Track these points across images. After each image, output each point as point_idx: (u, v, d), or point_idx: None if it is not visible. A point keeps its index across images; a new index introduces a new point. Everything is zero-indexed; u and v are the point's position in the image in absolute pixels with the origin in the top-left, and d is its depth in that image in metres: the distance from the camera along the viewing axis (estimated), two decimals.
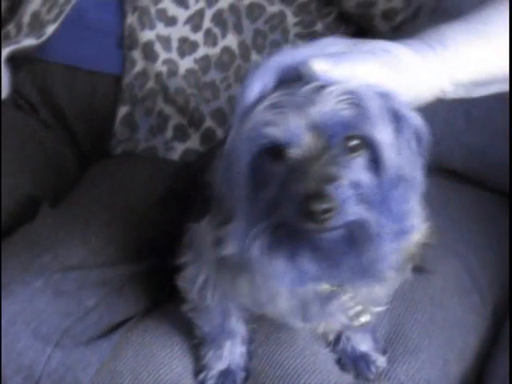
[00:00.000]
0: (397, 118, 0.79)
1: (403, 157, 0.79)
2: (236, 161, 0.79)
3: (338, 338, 1.08)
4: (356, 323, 0.94)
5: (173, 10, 1.32)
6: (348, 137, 0.76)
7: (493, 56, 0.91)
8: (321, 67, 0.78)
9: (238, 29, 1.35)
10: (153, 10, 1.31)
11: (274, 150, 0.77)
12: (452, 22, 0.93)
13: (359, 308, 0.92)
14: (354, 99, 0.76)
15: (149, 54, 1.30)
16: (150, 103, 1.31)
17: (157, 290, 1.15)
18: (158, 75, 1.30)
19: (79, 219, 1.15)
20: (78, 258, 1.08)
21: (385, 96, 0.79)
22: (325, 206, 0.72)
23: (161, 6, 1.32)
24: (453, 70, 0.88)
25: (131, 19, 1.31)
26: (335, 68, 0.78)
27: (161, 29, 1.31)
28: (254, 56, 1.35)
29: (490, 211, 1.39)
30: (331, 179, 0.73)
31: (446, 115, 1.41)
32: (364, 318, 0.94)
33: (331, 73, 0.77)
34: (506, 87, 0.95)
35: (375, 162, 0.77)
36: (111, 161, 1.33)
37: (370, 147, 0.77)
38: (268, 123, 0.76)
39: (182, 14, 1.32)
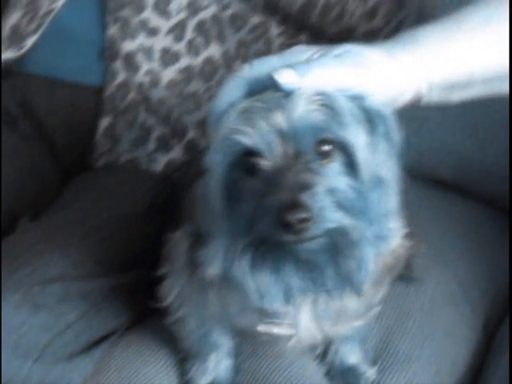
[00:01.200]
0: (369, 119, 0.77)
1: (379, 157, 0.76)
2: (211, 175, 0.77)
3: (326, 351, 1.06)
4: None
5: (154, 20, 1.31)
6: (321, 141, 0.74)
7: (468, 54, 0.89)
8: (287, 79, 0.76)
9: (221, 39, 1.33)
10: (134, 21, 1.30)
11: (248, 163, 0.75)
12: (428, 23, 0.91)
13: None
14: (325, 101, 0.74)
15: (130, 64, 1.28)
16: (132, 114, 1.29)
17: (140, 303, 1.12)
18: (140, 86, 1.28)
19: (59, 232, 1.13)
20: (58, 270, 1.05)
21: (356, 97, 0.77)
22: (301, 215, 0.70)
23: (142, 16, 1.30)
24: (428, 67, 0.86)
25: (112, 30, 1.29)
26: (302, 79, 0.76)
27: (142, 39, 1.30)
28: (238, 66, 1.34)
29: (481, 222, 1.37)
30: (305, 187, 0.71)
31: (435, 126, 1.40)
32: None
33: (298, 84, 0.75)
34: (485, 91, 0.94)
35: (351, 166, 0.75)
36: (93, 173, 1.31)
37: (344, 150, 0.75)
38: (237, 132, 0.73)
39: (163, 25, 1.31)
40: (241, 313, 0.88)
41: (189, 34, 1.32)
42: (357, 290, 0.78)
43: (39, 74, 1.35)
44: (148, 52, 1.29)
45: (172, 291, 0.93)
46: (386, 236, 0.78)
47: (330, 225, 0.72)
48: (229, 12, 1.34)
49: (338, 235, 0.73)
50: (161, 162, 1.30)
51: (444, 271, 1.22)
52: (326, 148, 0.74)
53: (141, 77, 1.29)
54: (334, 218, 0.72)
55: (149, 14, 1.31)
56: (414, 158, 1.37)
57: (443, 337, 1.11)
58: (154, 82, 1.29)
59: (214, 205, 0.77)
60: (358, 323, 0.95)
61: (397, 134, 0.78)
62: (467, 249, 1.29)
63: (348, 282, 0.76)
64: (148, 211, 1.13)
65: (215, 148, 0.76)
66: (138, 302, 1.12)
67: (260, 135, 0.73)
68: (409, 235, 0.92)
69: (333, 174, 0.74)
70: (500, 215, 1.38)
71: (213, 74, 1.32)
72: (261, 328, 0.89)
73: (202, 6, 1.32)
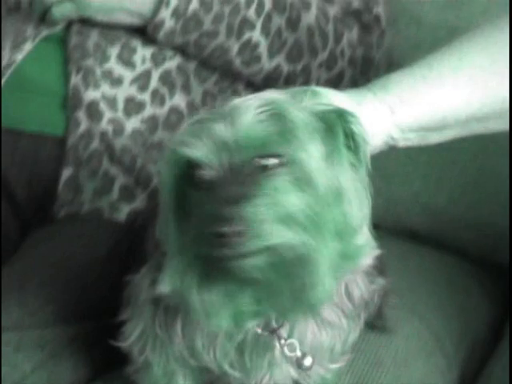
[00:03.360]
0: (328, 127, 0.74)
1: (339, 169, 0.74)
2: (162, 189, 0.76)
3: None
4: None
5: (119, 70, 1.29)
6: (267, 154, 0.71)
7: (438, 100, 0.90)
8: None
9: (187, 89, 1.32)
10: (98, 71, 1.28)
11: (194, 176, 0.73)
12: (399, 70, 0.92)
13: (299, 354, 0.83)
14: (275, 111, 0.71)
15: (93, 113, 1.26)
16: (95, 164, 1.26)
17: (101, 355, 1.07)
18: (103, 134, 1.26)
19: (16, 280, 1.09)
20: (14, 318, 1.01)
21: (315, 105, 0.75)
22: (234, 228, 0.67)
23: (106, 66, 1.28)
24: (397, 113, 0.87)
25: (75, 80, 1.27)
26: None
27: (106, 89, 1.27)
28: None
29: (453, 274, 1.36)
30: (244, 200, 0.68)
31: (405, 177, 1.39)
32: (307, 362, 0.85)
33: None
34: (463, 132, 0.94)
35: (301, 179, 0.72)
36: (54, 224, 1.27)
37: (292, 163, 0.72)
38: (182, 143, 0.72)
39: (128, 75, 1.29)
40: (208, 349, 0.84)
41: (153, 83, 1.30)
42: (310, 311, 0.75)
43: (1, 126, 1.31)
44: (111, 101, 1.27)
45: (135, 331, 0.88)
46: (354, 254, 0.75)
47: (272, 240, 0.69)
48: (194, 63, 1.33)
49: (285, 252, 0.70)
50: (124, 212, 1.27)
51: (416, 323, 1.18)
52: (272, 161, 0.71)
53: (104, 125, 1.26)
54: (276, 233, 0.69)
55: (113, 65, 1.29)
56: (384, 208, 1.36)
57: None
58: (118, 131, 1.27)
59: (166, 220, 0.75)
60: (336, 365, 0.91)
61: (363, 141, 0.76)
62: (440, 301, 1.26)
63: (300, 302, 0.73)
64: (108, 258, 1.09)
65: (164, 161, 0.74)
66: (99, 354, 1.07)
67: (201, 146, 0.71)
68: (382, 271, 0.91)
69: (278, 188, 0.71)
70: (472, 266, 1.37)
71: (178, 124, 1.30)
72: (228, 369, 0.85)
73: (167, 56, 1.31)
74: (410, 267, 1.32)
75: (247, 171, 0.71)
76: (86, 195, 1.27)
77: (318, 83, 1.38)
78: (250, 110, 0.71)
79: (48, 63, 1.31)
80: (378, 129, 0.87)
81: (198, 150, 0.71)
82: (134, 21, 1.28)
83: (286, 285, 0.72)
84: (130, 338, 0.88)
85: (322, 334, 0.83)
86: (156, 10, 1.25)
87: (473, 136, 1.34)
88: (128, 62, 1.29)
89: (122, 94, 1.28)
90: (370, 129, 0.83)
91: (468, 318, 1.26)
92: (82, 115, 1.26)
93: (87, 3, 1.26)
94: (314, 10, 1.35)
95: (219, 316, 0.74)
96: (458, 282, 1.33)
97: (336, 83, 1.39)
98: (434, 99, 0.90)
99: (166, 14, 1.25)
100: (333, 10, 1.39)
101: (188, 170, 0.73)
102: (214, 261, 0.70)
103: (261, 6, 1.30)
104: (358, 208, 0.75)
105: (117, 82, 1.28)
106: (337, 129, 0.74)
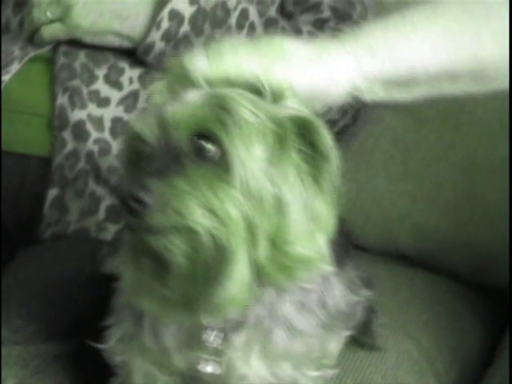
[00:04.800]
0: (281, 132, 0.73)
1: (284, 179, 0.72)
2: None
3: None
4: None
5: (106, 91, 1.29)
6: (201, 132, 0.72)
7: (408, 50, 0.87)
8: (198, 66, 0.77)
9: None
10: (85, 91, 1.27)
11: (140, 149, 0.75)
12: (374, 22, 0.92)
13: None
14: (224, 105, 0.72)
15: (80, 133, 1.25)
16: (81, 184, 1.25)
17: (85, 373, 1.05)
18: (89, 154, 1.25)
19: (1, 298, 1.07)
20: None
21: (278, 108, 0.75)
22: (143, 196, 0.67)
23: (93, 87, 1.28)
24: (364, 63, 0.85)
25: (62, 100, 1.27)
26: (213, 66, 0.77)
27: (93, 109, 1.27)
28: None
29: (442, 295, 1.35)
30: (166, 175, 0.69)
31: (392, 196, 1.39)
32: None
33: (208, 72, 0.77)
34: (435, 90, 0.91)
35: (234, 175, 0.71)
36: (40, 245, 1.26)
37: (230, 157, 0.71)
38: (133, 119, 0.77)
39: (115, 95, 1.29)
40: (179, 349, 0.82)
41: (141, 104, 1.30)
42: (218, 310, 0.73)
43: None
44: (98, 121, 1.27)
45: (116, 333, 0.88)
46: (290, 265, 0.73)
47: (185, 221, 0.69)
48: None
49: (203, 239, 0.69)
50: (111, 231, 1.26)
51: (407, 342, 1.17)
52: (209, 146, 0.72)
53: (90, 145, 1.26)
54: (193, 217, 0.69)
55: (100, 86, 1.29)
56: (374, 229, 1.35)
57: None
58: (104, 151, 1.26)
59: None
60: (316, 373, 0.89)
61: (329, 154, 0.74)
62: (430, 322, 1.25)
63: (209, 297, 0.72)
64: (92, 276, 1.08)
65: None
66: (82, 371, 1.05)
67: (144, 121, 0.74)
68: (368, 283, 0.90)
69: (205, 175, 0.71)
70: (462, 288, 1.36)
71: None
72: (202, 368, 0.83)
73: (155, 77, 1.31)
74: (400, 288, 1.31)
75: (182, 151, 0.72)
76: (72, 215, 1.26)
77: None
78: (197, 97, 0.73)
79: (35, 84, 1.31)
80: (342, 78, 0.85)
81: (140, 125, 0.74)
82: (124, 43, 1.29)
83: (199, 275, 0.71)
84: (112, 339, 0.88)
85: (293, 342, 0.82)
86: (146, 32, 1.26)
87: (461, 153, 1.35)
88: (115, 83, 1.29)
89: (109, 115, 1.28)
90: (330, 78, 0.84)
91: (458, 340, 1.25)
92: (68, 135, 1.26)
93: (77, 25, 1.26)
94: (305, 36, 1.36)
95: (146, 298, 0.74)
96: (448, 303, 1.32)
97: (324, 113, 1.39)
98: (404, 49, 0.87)
99: (156, 37, 1.25)
100: (324, 36, 1.39)
101: (136, 144, 0.75)
102: (133, 232, 0.71)
103: (252, 29, 1.30)
104: (302, 220, 0.73)
105: (104, 102, 1.28)
106: (288, 137, 0.73)
